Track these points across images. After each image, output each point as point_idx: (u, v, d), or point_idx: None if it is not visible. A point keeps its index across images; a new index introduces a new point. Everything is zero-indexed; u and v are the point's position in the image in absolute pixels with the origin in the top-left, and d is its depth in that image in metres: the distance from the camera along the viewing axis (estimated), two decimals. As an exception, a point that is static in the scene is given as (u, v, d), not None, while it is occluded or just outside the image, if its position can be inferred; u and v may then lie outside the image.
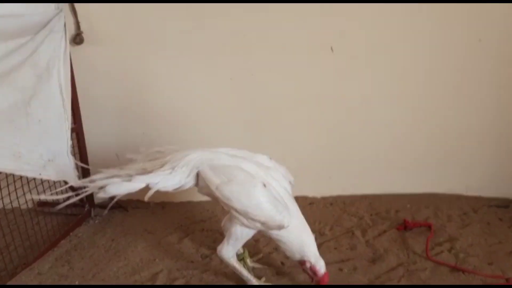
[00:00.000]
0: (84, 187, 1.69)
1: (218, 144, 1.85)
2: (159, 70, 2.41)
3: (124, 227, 2.42)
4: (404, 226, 2.19)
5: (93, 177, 1.71)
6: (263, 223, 1.62)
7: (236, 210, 1.63)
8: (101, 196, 1.61)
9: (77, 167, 2.25)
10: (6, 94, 1.79)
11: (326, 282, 1.66)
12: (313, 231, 1.76)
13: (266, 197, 1.60)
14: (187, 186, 1.72)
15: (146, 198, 1.63)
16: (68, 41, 2.20)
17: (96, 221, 2.51)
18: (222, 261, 1.79)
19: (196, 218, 2.49)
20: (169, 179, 1.65)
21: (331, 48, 2.27)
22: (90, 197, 2.57)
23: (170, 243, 2.22)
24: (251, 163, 1.72)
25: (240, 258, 1.91)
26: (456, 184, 2.49)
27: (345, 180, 2.55)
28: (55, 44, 2.11)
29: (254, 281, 1.79)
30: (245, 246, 1.89)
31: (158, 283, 1.90)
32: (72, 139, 2.27)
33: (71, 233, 2.36)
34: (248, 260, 1.94)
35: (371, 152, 2.49)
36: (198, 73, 2.40)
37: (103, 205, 2.58)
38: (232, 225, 1.71)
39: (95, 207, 2.58)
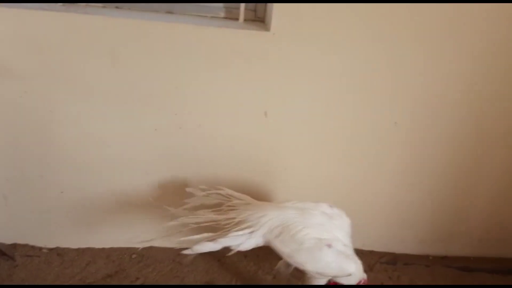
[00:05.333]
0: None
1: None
2: (66, 111, 1.99)
3: (13, 282, 2.06)
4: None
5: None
6: (334, 277, 1.85)
7: (310, 271, 1.83)
8: (187, 252, 1.70)
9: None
10: None
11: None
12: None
13: (332, 257, 1.78)
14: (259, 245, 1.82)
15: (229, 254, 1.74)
16: None
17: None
18: None
19: (101, 272, 2.17)
20: (249, 241, 1.77)
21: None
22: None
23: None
24: (317, 216, 1.87)
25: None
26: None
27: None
28: None
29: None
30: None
31: None
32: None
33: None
34: None
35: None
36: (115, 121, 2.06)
37: (-17, 252, 2.22)
38: (307, 280, 1.90)
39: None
